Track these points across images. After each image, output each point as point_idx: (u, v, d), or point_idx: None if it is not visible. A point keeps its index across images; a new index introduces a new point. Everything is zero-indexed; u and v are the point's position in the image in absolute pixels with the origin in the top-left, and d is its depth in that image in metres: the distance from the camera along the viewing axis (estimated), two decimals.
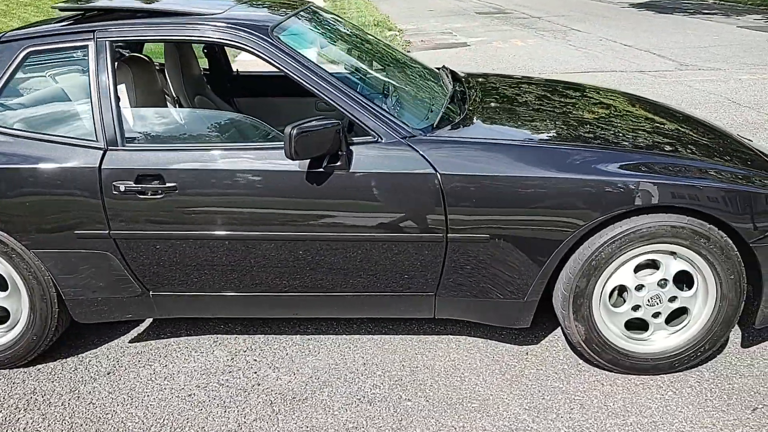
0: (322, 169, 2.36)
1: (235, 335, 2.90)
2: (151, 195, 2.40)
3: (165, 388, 2.56)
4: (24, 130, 2.48)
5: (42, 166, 2.41)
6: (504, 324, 2.58)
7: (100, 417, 2.42)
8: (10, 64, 2.47)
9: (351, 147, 2.38)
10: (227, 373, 2.65)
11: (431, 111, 2.66)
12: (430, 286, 2.51)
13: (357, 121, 2.40)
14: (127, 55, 2.88)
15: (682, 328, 2.53)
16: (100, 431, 2.35)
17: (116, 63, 2.58)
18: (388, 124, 2.40)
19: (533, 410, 2.40)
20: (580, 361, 2.66)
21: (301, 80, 2.41)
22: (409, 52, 11.42)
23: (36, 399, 2.52)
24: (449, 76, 3.29)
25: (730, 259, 2.39)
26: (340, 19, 3.43)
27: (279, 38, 2.46)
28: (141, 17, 2.53)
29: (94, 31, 2.47)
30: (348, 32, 3.29)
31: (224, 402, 2.48)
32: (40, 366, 2.72)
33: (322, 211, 2.40)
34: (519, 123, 2.73)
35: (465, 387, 2.54)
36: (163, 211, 2.42)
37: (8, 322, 2.62)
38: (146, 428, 2.36)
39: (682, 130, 2.88)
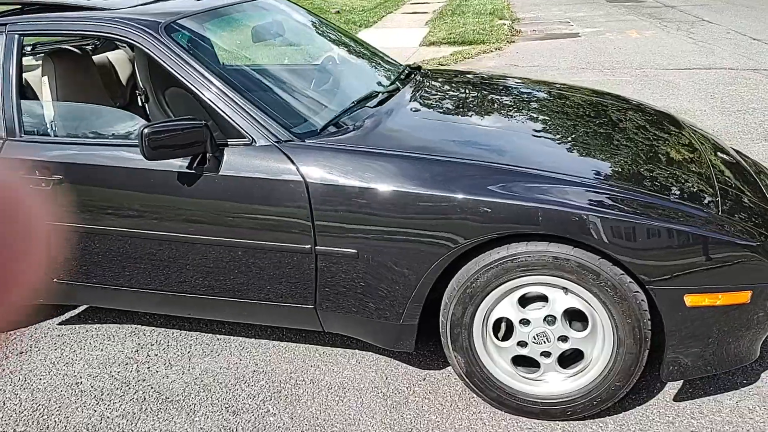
0: (192, 171, 2.31)
1: (153, 327, 2.93)
2: (41, 186, 2.46)
3: (59, 374, 2.64)
4: None
5: None
6: (386, 346, 2.41)
7: None
8: None
9: (225, 149, 2.30)
10: (123, 365, 2.68)
11: (334, 114, 2.52)
12: (308, 298, 2.39)
13: (231, 121, 2.32)
14: (54, 48, 2.97)
15: (579, 372, 2.24)
16: None
17: (42, 56, 2.66)
18: (263, 126, 2.30)
19: None
20: (475, 395, 2.43)
21: (182, 78, 2.36)
22: (513, 42, 11.02)
23: None
24: (404, 75, 3.10)
25: (626, 301, 2.06)
26: (299, 11, 3.32)
27: (168, 35, 2.42)
28: (52, 11, 2.59)
29: (6, 25, 2.57)
30: (294, 26, 3.18)
31: (102, 394, 2.52)
32: None
33: (193, 213, 2.35)
34: (425, 130, 2.52)
35: (338, 407, 2.40)
36: (51, 202, 2.47)
37: None
38: (20, 411, 2.44)
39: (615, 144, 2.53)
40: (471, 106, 2.88)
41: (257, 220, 2.29)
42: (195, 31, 2.58)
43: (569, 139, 2.50)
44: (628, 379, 2.17)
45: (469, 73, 3.63)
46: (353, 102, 2.62)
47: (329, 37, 3.33)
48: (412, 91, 2.87)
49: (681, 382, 2.47)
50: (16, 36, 2.55)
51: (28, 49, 3.34)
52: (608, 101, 3.09)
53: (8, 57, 2.53)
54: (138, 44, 2.41)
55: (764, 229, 2.14)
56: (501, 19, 12.98)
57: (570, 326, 2.20)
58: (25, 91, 2.84)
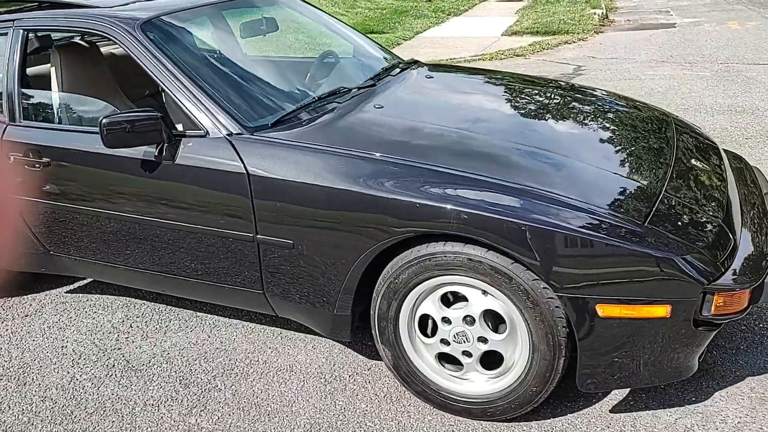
0: (153, 159, 2.49)
1: (144, 301, 3.17)
2: (35, 167, 2.73)
3: (50, 337, 2.93)
4: None
5: None
6: (325, 334, 2.50)
7: None
8: None
9: (183, 139, 2.46)
10: (107, 334, 2.93)
11: (291, 109, 2.61)
12: (256, 283, 2.52)
13: (190, 114, 2.47)
14: (64, 42, 3.21)
15: (499, 374, 2.25)
16: None
17: (52, 48, 2.94)
18: (217, 119, 2.44)
19: (315, 427, 2.32)
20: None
21: (150, 73, 2.54)
22: (601, 32, 10.68)
23: None
24: (392, 71, 3.15)
25: (539, 306, 2.06)
26: (300, 7, 3.43)
27: (144, 32, 2.60)
28: (54, 9, 2.85)
29: (14, 21, 2.85)
30: (291, 22, 3.30)
31: (79, 358, 2.77)
32: None
33: (155, 198, 2.53)
34: (378, 128, 2.55)
35: (280, 389, 2.53)
36: (42, 183, 2.74)
37: None
38: (7, 367, 2.73)
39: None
40: (444, 105, 2.89)
41: (208, 208, 2.44)
42: (176, 27, 2.75)
43: (514, 142, 2.47)
44: (545, 386, 2.16)
45: (472, 70, 3.62)
46: (315, 98, 2.71)
47: (325, 32, 3.42)
48: (388, 88, 2.92)
49: (626, 392, 2.42)
50: (21, 30, 2.83)
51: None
52: (564, 94, 3.02)
53: (14, 49, 2.81)
54: (116, 40, 2.61)
55: (699, 242, 2.05)
56: (595, 8, 12.54)
57: (495, 328, 2.21)
58: (37, 81, 3.12)
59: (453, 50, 9.44)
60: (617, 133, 2.69)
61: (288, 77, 3.03)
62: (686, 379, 2.42)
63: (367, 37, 3.59)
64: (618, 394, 2.41)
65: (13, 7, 3.06)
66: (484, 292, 2.16)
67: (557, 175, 2.24)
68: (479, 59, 8.87)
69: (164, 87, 2.52)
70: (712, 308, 2.02)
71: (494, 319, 2.21)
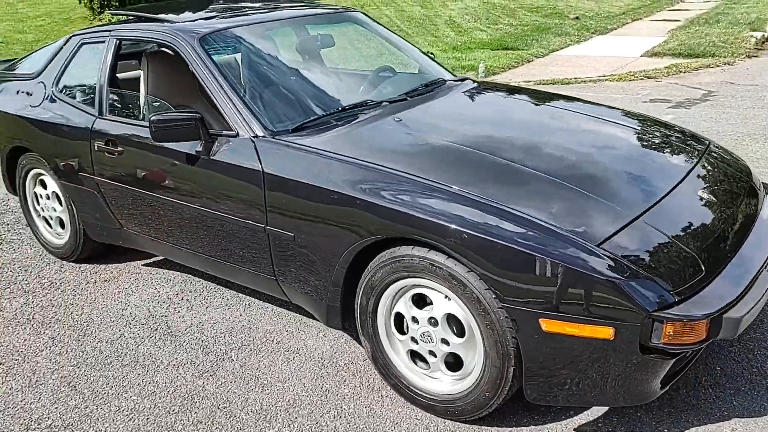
0: (194, 153, 2.87)
1: (200, 279, 3.59)
2: (113, 154, 3.23)
3: (117, 300, 3.42)
4: (66, 97, 3.52)
5: (69, 122, 3.43)
6: (322, 321, 2.74)
7: (35, 300, 3.39)
8: (71, 51, 3.53)
9: (219, 138, 2.83)
10: (161, 302, 3.38)
11: (314, 116, 2.90)
12: (269, 270, 2.82)
13: (225, 117, 2.83)
14: (152, 49, 3.69)
15: (461, 377, 2.38)
16: (27, 303, 3.33)
17: (143, 54, 3.45)
18: (246, 122, 2.78)
19: (297, 402, 2.58)
20: None
21: (200, 80, 2.93)
22: (755, 56, 10.03)
23: (30, 271, 3.63)
24: (433, 86, 3.34)
25: (489, 315, 2.18)
26: (361, 24, 3.70)
27: (201, 44, 3.00)
28: (144, 22, 3.35)
29: (110, 31, 3.38)
30: (348, 39, 3.57)
31: (132, 320, 3.22)
32: (80, 264, 3.83)
33: (194, 187, 2.91)
34: (386, 140, 2.74)
35: (281, 366, 2.81)
36: (117, 168, 3.23)
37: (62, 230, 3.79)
38: (77, 321, 3.24)
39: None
40: (467, 123, 3.01)
41: (234, 199, 2.78)
42: (237, 40, 3.14)
43: (508, 160, 2.56)
44: (497, 392, 2.26)
45: (523, 90, 3.69)
46: (340, 108, 2.97)
47: (378, 48, 3.67)
48: (418, 104, 3.10)
49: (600, 411, 2.44)
50: (115, 40, 3.35)
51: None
52: (576, 112, 3.07)
53: (107, 55, 3.33)
54: (179, 50, 3.04)
55: (654, 269, 2.08)
56: (755, 30, 11.71)
57: (462, 333, 2.34)
58: (132, 83, 3.65)
59: (581, 69, 9.29)
60: (618, 154, 2.70)
61: (330, 88, 3.31)
62: (666, 409, 2.43)
63: (415, 49, 3.79)
64: (590, 413, 2.44)
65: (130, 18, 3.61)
66: (447, 297, 2.31)
67: (528, 191, 2.33)
68: (606, 79, 8.68)
69: (209, 92, 2.89)
70: (662, 336, 2.02)
71: (460, 324, 2.34)
